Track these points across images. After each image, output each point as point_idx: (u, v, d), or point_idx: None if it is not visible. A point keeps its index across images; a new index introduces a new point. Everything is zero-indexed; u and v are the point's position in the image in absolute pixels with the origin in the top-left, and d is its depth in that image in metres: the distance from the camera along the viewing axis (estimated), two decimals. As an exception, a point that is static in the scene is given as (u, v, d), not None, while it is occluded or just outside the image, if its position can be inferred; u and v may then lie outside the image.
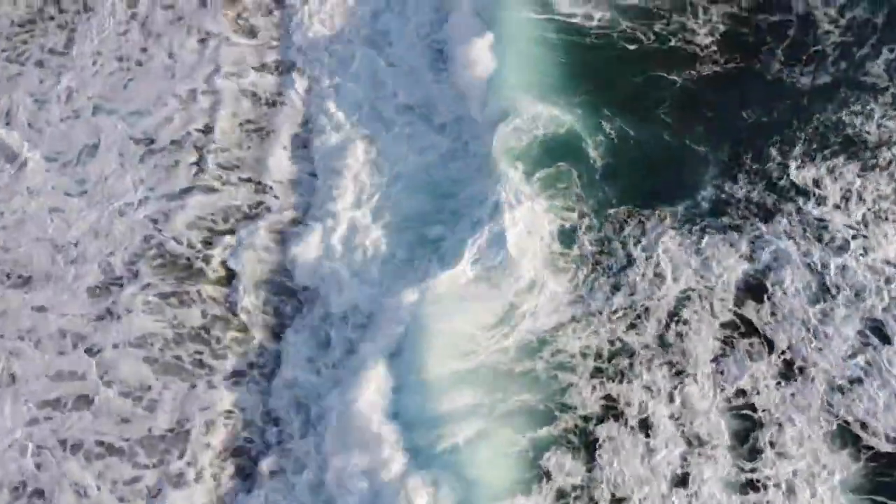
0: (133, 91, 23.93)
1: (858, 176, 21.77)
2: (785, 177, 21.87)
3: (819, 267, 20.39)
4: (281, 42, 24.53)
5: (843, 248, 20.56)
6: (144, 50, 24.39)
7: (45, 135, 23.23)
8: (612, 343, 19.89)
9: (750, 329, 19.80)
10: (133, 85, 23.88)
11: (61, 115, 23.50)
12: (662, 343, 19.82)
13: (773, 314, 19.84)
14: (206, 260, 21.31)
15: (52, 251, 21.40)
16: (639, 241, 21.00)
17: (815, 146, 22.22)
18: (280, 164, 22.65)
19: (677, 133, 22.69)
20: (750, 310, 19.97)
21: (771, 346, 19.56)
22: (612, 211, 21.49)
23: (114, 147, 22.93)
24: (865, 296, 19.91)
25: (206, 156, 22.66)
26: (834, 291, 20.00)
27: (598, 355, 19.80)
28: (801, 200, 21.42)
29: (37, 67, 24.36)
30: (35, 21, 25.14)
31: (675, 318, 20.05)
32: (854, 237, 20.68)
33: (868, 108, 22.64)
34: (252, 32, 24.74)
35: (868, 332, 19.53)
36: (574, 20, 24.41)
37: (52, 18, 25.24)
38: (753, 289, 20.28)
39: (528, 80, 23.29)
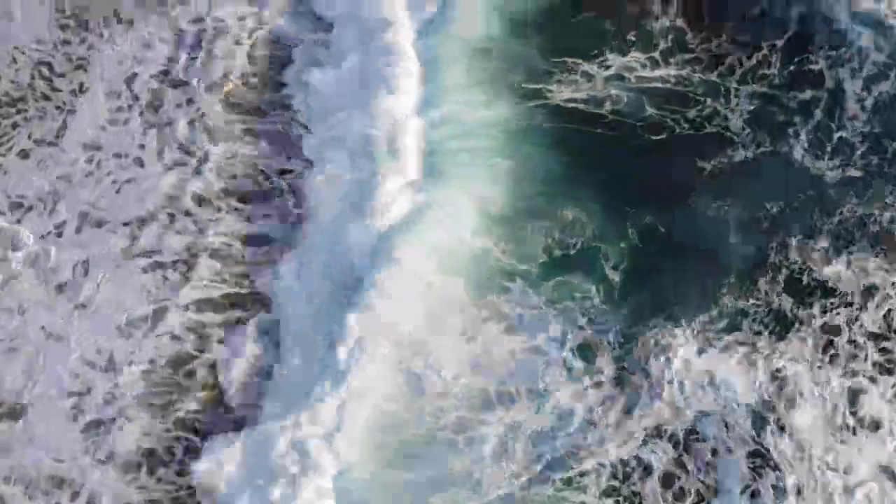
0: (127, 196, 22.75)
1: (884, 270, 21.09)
2: (809, 277, 21.18)
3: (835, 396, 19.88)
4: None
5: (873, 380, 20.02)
6: (142, 146, 23.26)
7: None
8: (625, 464, 19.56)
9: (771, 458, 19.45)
10: (128, 189, 22.74)
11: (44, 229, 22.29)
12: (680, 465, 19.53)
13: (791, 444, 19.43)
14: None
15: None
16: (657, 358, 20.47)
17: (840, 242, 21.55)
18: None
19: (701, 229, 22.02)
20: (767, 436, 19.56)
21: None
22: (628, 327, 20.93)
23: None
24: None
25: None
26: (852, 424, 19.55)
27: (613, 475, 19.51)
28: (826, 304, 20.77)
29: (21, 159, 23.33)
30: (26, 99, 24.06)
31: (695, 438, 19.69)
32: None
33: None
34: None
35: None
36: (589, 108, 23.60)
37: (45, 98, 24.16)
38: (770, 413, 19.79)
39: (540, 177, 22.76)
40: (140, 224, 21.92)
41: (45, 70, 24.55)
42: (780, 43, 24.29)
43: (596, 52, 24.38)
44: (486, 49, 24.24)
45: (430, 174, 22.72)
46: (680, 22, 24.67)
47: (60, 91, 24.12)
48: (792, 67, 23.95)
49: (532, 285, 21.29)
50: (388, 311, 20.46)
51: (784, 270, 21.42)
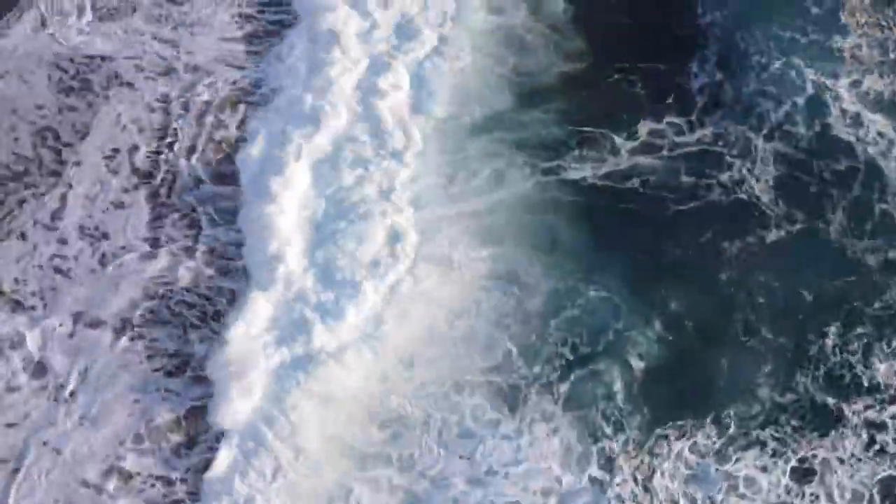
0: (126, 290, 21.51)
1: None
2: (848, 373, 20.20)
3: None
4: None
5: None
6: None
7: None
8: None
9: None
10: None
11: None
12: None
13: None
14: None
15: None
16: (686, 461, 19.51)
17: (883, 331, 20.46)
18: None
19: (732, 316, 20.90)
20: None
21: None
22: (653, 427, 19.84)
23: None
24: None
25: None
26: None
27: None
28: (869, 400, 19.81)
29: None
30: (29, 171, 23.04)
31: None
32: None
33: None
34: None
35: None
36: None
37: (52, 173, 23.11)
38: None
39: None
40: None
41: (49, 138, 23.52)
42: (800, 101, 23.13)
43: (623, 119, 23.18)
44: (497, 121, 23.10)
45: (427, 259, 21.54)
46: (719, 76, 23.53)
47: (65, 163, 23.11)
48: (818, 128, 22.79)
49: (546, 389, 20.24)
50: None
51: (823, 362, 20.38)
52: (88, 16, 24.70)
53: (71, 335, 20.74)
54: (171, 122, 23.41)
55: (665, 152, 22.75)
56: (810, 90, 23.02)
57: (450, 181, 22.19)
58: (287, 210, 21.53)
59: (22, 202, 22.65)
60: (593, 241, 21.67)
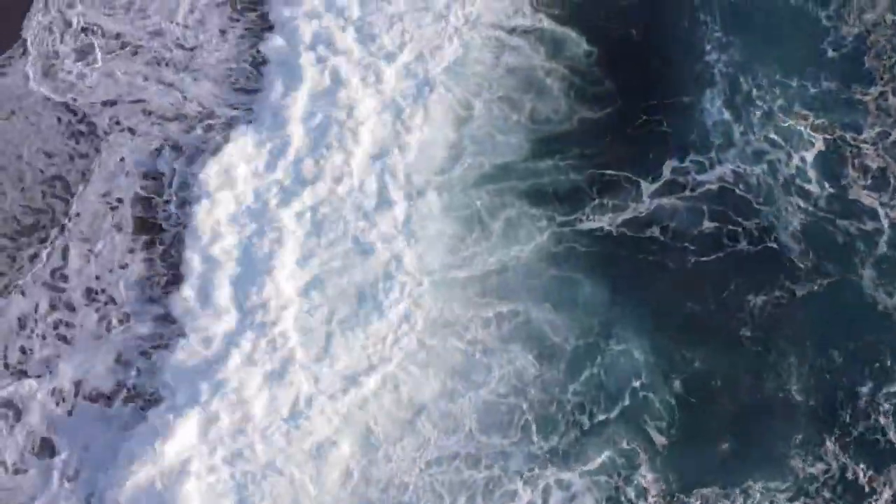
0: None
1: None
2: (881, 438, 19.35)
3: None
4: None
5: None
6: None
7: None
8: None
9: None
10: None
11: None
12: None
13: None
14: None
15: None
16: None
17: (915, 395, 19.63)
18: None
19: (758, 377, 20.15)
20: None
21: None
22: (677, 501, 19.12)
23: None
24: None
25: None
26: None
27: None
28: (899, 470, 18.97)
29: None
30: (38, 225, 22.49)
31: None
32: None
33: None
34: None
35: None
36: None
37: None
38: None
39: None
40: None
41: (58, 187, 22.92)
42: (809, 156, 22.07)
43: (642, 160, 22.32)
44: (510, 171, 22.22)
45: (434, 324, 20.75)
46: (727, 116, 22.69)
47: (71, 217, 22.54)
48: (833, 188, 21.80)
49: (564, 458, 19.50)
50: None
51: (853, 427, 19.54)
52: (87, 59, 24.00)
53: (70, 412, 20.12)
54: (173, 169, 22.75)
55: (687, 192, 21.85)
56: (821, 145, 22.02)
57: (461, 241, 21.36)
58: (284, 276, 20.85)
59: (34, 257, 21.89)
60: (613, 294, 20.92)
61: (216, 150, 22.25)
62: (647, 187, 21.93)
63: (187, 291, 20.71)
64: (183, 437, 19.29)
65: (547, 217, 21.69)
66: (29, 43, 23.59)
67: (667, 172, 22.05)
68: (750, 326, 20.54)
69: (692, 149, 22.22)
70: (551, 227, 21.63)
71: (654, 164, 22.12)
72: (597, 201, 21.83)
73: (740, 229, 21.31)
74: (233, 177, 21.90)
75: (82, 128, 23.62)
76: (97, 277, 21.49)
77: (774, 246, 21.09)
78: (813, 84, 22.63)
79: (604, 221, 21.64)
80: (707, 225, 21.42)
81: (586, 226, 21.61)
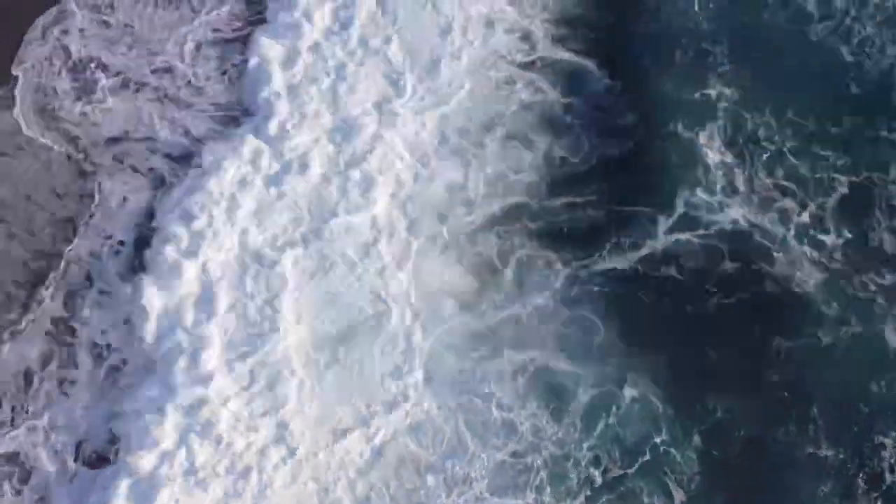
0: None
1: None
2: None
3: None
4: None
5: None
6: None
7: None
8: None
9: None
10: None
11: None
12: None
13: None
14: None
15: None
16: None
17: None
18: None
19: (782, 429, 19.62)
20: None
21: None
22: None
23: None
24: None
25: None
26: None
27: None
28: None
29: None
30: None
31: None
32: None
33: None
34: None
35: None
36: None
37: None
38: None
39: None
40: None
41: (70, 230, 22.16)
42: (830, 202, 21.36)
43: (657, 194, 21.65)
44: (523, 211, 21.54)
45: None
46: (729, 157, 21.95)
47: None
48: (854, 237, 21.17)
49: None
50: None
51: (881, 481, 18.93)
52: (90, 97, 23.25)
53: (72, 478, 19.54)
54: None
55: (701, 230, 21.16)
56: (844, 189, 21.34)
57: (472, 291, 20.66)
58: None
59: (41, 302, 21.14)
60: (631, 338, 20.28)
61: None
62: (662, 222, 21.29)
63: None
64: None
65: (562, 259, 21.03)
66: (21, 84, 22.75)
67: (680, 206, 21.41)
68: (775, 374, 19.93)
69: (699, 187, 21.57)
70: (566, 269, 20.95)
71: (668, 198, 21.47)
72: (613, 240, 21.15)
73: (762, 272, 20.63)
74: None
75: (86, 166, 22.89)
76: (102, 332, 20.75)
77: (798, 291, 20.42)
78: (833, 123, 21.90)
79: (619, 261, 20.97)
80: (728, 265, 20.76)
81: (602, 266, 20.94)
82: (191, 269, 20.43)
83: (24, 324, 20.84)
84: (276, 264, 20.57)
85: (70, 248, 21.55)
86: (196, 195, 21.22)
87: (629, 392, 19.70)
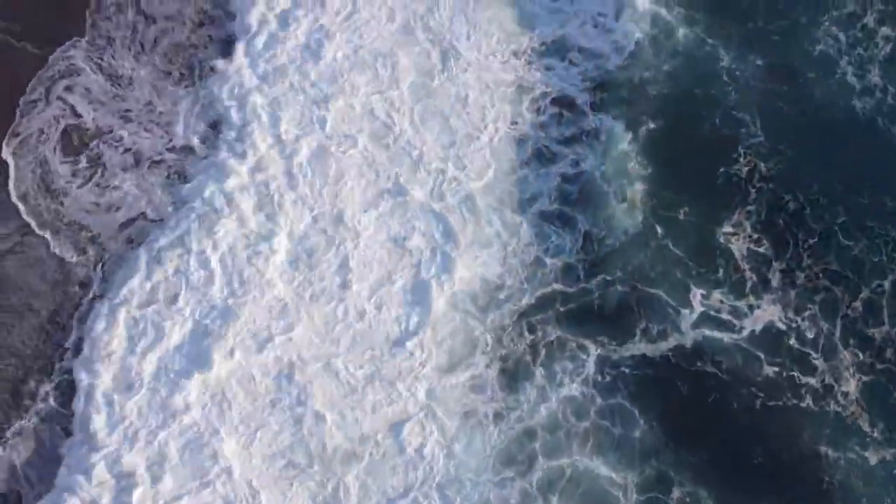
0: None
1: None
2: None
3: None
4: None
5: None
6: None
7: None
8: None
9: None
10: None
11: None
12: None
13: None
14: None
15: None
16: None
17: None
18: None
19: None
20: None
21: None
22: None
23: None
24: None
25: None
26: None
27: None
28: None
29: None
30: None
31: None
32: None
33: None
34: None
35: None
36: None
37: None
38: None
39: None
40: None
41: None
42: (886, 284, 19.96)
43: (674, 285, 20.30)
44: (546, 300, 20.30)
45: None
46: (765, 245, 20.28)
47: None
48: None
49: None
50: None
51: None
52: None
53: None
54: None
55: (734, 334, 19.72)
56: None
57: (505, 392, 19.41)
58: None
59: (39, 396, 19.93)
60: (669, 436, 19.15)
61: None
62: (685, 316, 19.92)
63: None
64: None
65: (593, 343, 19.85)
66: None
67: (697, 304, 19.92)
68: (823, 483, 18.85)
69: (719, 286, 20.08)
70: (597, 352, 19.81)
71: (683, 292, 20.18)
72: (642, 325, 19.96)
73: (801, 383, 19.37)
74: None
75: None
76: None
77: (839, 410, 18.96)
78: (892, 197, 20.30)
79: (650, 349, 19.83)
80: (767, 370, 19.56)
81: (634, 352, 19.78)
82: None
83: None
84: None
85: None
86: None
87: (676, 493, 18.68)
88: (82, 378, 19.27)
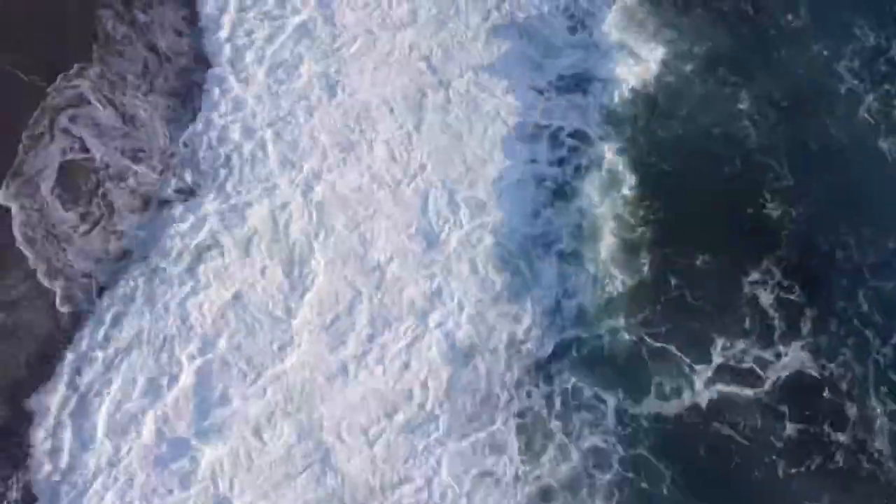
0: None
1: None
2: None
3: None
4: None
5: None
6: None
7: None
8: None
9: None
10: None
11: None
12: None
13: None
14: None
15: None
16: None
17: None
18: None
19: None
20: None
21: None
22: None
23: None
24: None
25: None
26: None
27: None
28: None
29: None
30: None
31: None
32: None
33: None
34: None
35: None
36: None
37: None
38: None
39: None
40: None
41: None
42: None
43: (689, 340, 19.46)
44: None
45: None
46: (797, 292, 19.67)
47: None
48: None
49: None
50: None
51: None
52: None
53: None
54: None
55: (757, 389, 18.95)
56: None
57: (524, 466, 18.58)
58: None
59: None
60: (696, 495, 18.34)
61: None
62: (700, 371, 19.22)
63: None
64: None
65: (610, 393, 19.13)
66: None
67: (716, 358, 19.25)
68: None
69: (744, 336, 19.34)
70: (615, 403, 19.08)
71: (701, 346, 19.38)
72: (657, 380, 19.19)
73: (831, 440, 18.57)
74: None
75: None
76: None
77: (875, 470, 18.06)
78: None
79: (665, 407, 19.01)
80: (790, 429, 18.71)
81: (650, 409, 18.98)
82: None
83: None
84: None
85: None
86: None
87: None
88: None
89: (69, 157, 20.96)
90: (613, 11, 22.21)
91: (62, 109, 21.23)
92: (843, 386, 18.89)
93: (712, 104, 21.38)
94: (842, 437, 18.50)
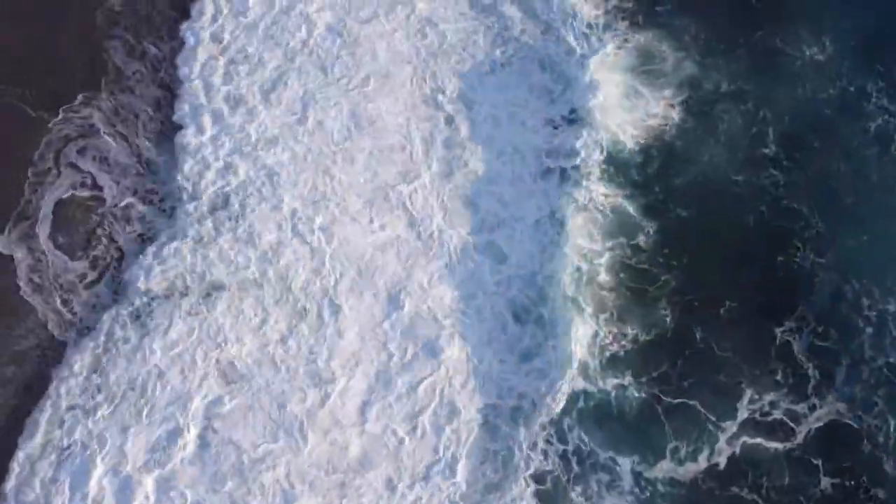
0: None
1: None
2: None
3: None
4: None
5: None
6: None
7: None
8: None
9: None
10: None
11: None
12: None
13: None
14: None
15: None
16: None
17: None
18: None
19: None
20: None
21: None
22: None
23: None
24: None
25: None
26: None
27: None
28: None
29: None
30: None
31: None
32: None
33: None
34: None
35: None
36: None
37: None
38: None
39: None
40: None
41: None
42: None
43: (719, 390, 18.59)
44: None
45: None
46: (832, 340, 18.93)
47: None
48: None
49: None
50: None
51: None
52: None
53: None
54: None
55: (788, 443, 17.96)
56: None
57: None
58: None
59: None
60: None
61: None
62: (725, 427, 18.24)
63: None
64: None
65: (625, 458, 18.15)
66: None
67: (743, 412, 18.33)
68: None
69: (776, 388, 18.46)
70: (631, 466, 18.07)
71: (726, 400, 18.44)
72: (672, 444, 18.18)
73: (869, 495, 17.46)
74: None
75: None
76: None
77: None
78: None
79: (681, 471, 17.97)
80: (824, 483, 17.53)
81: (666, 474, 18.02)
82: None
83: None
84: None
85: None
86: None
87: None
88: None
89: (84, 191, 20.35)
90: (629, 48, 21.82)
91: (72, 139, 20.68)
92: (882, 440, 17.87)
93: (737, 145, 20.76)
94: (881, 493, 17.49)
